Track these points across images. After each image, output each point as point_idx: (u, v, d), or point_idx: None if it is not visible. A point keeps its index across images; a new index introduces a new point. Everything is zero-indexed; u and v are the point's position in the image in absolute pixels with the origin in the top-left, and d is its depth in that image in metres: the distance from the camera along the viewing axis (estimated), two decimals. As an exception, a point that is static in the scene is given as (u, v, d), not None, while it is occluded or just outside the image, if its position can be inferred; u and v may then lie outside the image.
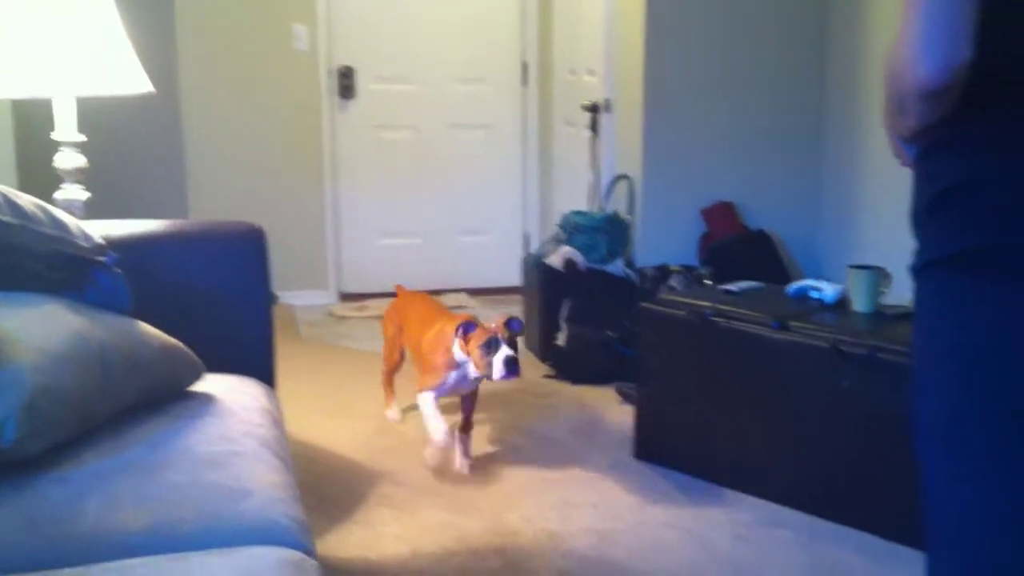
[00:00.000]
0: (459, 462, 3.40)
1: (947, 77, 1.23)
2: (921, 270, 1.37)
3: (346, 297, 5.92)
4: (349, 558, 2.76)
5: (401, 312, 3.78)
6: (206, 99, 5.44)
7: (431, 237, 6.07)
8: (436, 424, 3.30)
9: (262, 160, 5.64)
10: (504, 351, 3.10)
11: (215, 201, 5.29)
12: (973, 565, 1.35)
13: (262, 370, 2.71)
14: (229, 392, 2.34)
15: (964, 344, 1.31)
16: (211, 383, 2.33)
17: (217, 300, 2.74)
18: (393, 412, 3.90)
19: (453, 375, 3.30)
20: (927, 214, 1.36)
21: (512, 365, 3.11)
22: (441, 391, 3.34)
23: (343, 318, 5.55)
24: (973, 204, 1.29)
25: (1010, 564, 1.33)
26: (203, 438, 2.04)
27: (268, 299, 2.88)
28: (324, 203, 5.83)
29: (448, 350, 3.27)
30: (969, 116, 1.29)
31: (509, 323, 3.19)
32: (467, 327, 3.20)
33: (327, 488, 3.23)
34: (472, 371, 3.25)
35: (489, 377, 3.16)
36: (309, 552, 1.74)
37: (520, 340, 4.92)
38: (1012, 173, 1.27)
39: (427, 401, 3.33)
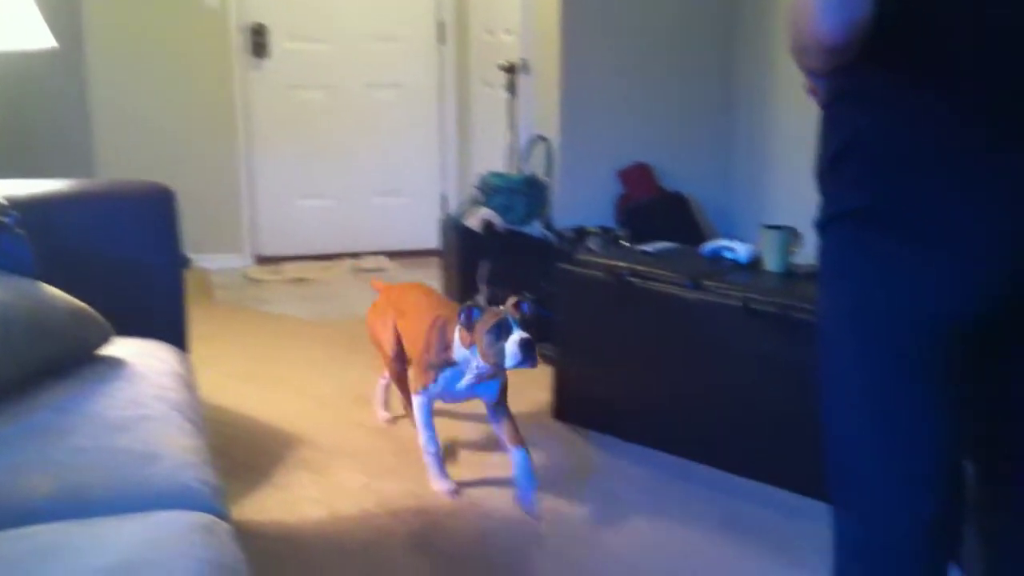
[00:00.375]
0: (525, 504, 2.83)
1: (846, 33, 1.25)
2: (824, 225, 1.40)
3: (262, 260, 5.83)
4: (265, 522, 2.73)
5: (394, 307, 3.24)
6: (113, 56, 5.27)
7: (348, 199, 6.00)
8: (426, 435, 2.94)
9: (172, 120, 5.50)
10: (518, 333, 2.61)
11: (123, 161, 5.15)
12: (875, 512, 1.39)
13: (174, 334, 2.66)
14: (139, 356, 2.29)
15: (862, 297, 1.35)
16: (120, 347, 2.28)
17: (126, 262, 2.68)
18: (382, 413, 3.49)
19: (446, 375, 2.86)
20: (829, 169, 1.39)
21: (528, 349, 2.61)
22: (436, 393, 2.92)
23: (259, 281, 5.47)
24: (870, 160, 1.32)
25: (910, 509, 1.37)
26: (111, 402, 2.00)
27: (179, 262, 2.82)
28: (238, 164, 5.72)
29: (443, 344, 2.85)
30: (871, 69, 1.32)
31: (519, 305, 2.76)
32: (471, 312, 2.74)
33: (242, 452, 3.19)
34: (473, 366, 2.78)
35: (500, 366, 2.68)
36: (222, 515, 1.72)
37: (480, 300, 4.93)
38: (912, 127, 1.29)
39: (418, 407, 2.95)
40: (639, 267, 3.27)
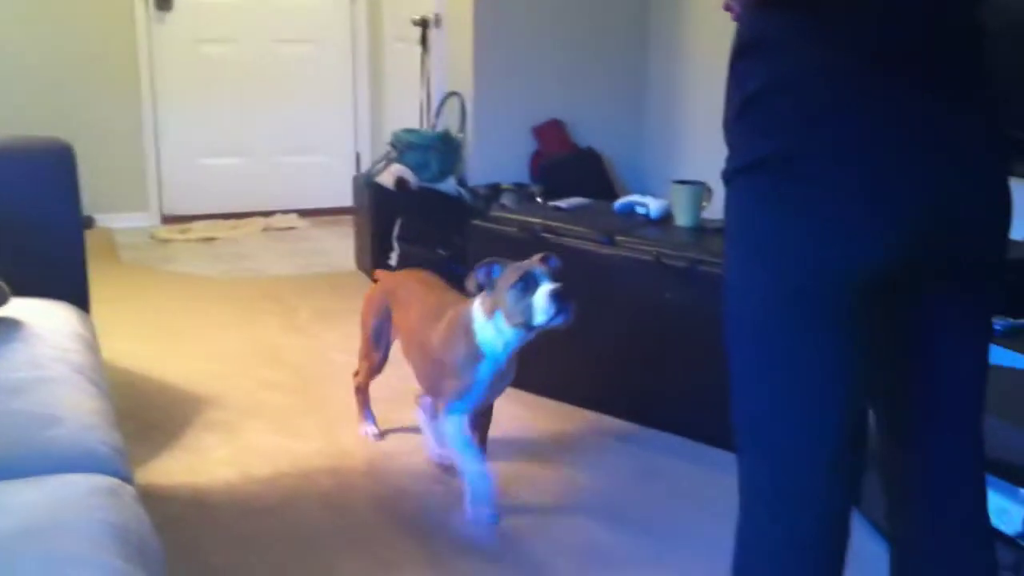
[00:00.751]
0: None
1: None
2: (730, 176, 1.40)
3: (169, 219, 5.70)
4: (174, 484, 2.69)
5: (391, 298, 2.80)
6: (5, 5, 5.07)
7: (258, 156, 5.89)
8: (471, 461, 2.46)
9: (71, 74, 5.32)
10: (547, 284, 2.26)
11: (19, 117, 4.96)
12: (779, 456, 1.42)
13: (75, 294, 2.59)
14: (38, 317, 2.22)
15: (770, 246, 1.35)
16: (18, 308, 2.20)
17: (23, 221, 2.58)
18: (370, 428, 3.01)
19: (481, 371, 2.41)
20: (735, 120, 1.39)
21: (561, 301, 2.24)
22: (471, 401, 2.46)
23: (166, 241, 5.35)
24: (776, 109, 1.32)
25: (813, 453, 1.40)
26: (8, 364, 1.93)
27: (79, 220, 2.74)
28: (142, 120, 5.57)
29: (468, 336, 2.42)
30: (777, 19, 1.32)
31: (547, 259, 2.39)
32: (490, 269, 2.36)
33: (149, 414, 3.12)
34: (501, 343, 2.38)
35: (529, 325, 2.29)
36: (126, 478, 1.68)
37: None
38: (814, 78, 1.30)
39: (454, 426, 2.46)
40: (553, 223, 3.27)
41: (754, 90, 1.34)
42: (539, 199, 4.17)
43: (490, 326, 2.37)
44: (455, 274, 4.14)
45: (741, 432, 1.46)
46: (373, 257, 4.56)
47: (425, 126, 4.93)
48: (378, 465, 2.83)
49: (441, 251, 4.25)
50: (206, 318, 4.09)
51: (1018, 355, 2.30)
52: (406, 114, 5.22)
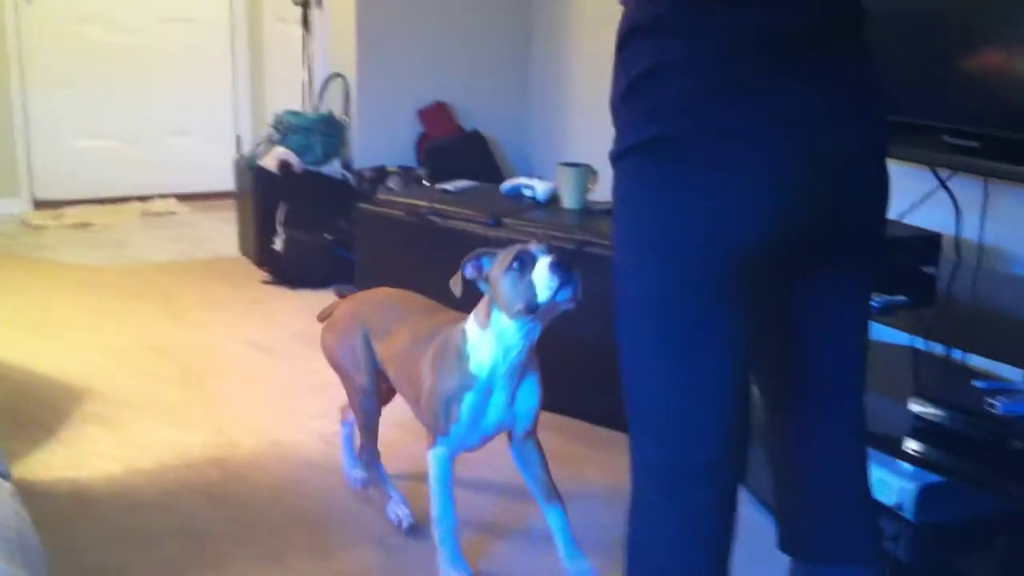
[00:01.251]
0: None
1: None
2: (617, 158, 1.41)
3: (41, 204, 5.49)
4: (54, 480, 2.59)
5: (368, 324, 2.41)
6: None
7: (135, 139, 5.71)
8: (441, 504, 2.17)
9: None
10: (546, 257, 1.95)
11: None
12: (669, 434, 1.44)
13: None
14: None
15: (657, 226, 1.37)
16: None
17: None
18: (356, 473, 2.59)
19: (470, 399, 2.08)
20: (621, 102, 1.40)
21: (564, 272, 1.93)
22: (462, 435, 2.13)
23: (38, 227, 5.15)
24: (660, 92, 1.34)
25: (701, 432, 1.42)
26: None
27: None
28: (11, 103, 5.34)
29: (458, 360, 2.09)
30: (662, 4, 1.34)
31: (542, 241, 2.08)
32: (479, 262, 2.06)
33: (25, 408, 3.01)
34: (506, 346, 2.04)
35: (533, 308, 1.96)
36: (2, 474, 1.62)
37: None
38: (698, 61, 1.32)
39: (436, 463, 2.16)
40: (440, 206, 3.26)
41: (639, 73, 1.35)
42: (425, 182, 4.16)
43: (487, 338, 2.05)
44: (341, 258, 4.11)
45: (632, 412, 1.47)
46: (257, 242, 4.48)
47: (308, 108, 4.85)
48: (267, 456, 2.78)
49: (327, 235, 4.20)
50: (83, 308, 3.95)
51: (893, 330, 2.38)
52: (288, 96, 5.13)
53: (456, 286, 2.07)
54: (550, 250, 1.98)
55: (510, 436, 2.21)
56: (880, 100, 1.42)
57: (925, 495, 2.28)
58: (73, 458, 2.71)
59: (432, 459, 2.15)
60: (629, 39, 1.38)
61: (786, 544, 1.65)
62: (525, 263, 1.96)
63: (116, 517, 2.43)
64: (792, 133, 1.32)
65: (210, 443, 2.84)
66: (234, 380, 3.29)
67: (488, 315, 2.06)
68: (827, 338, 1.51)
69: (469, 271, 2.07)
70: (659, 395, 1.43)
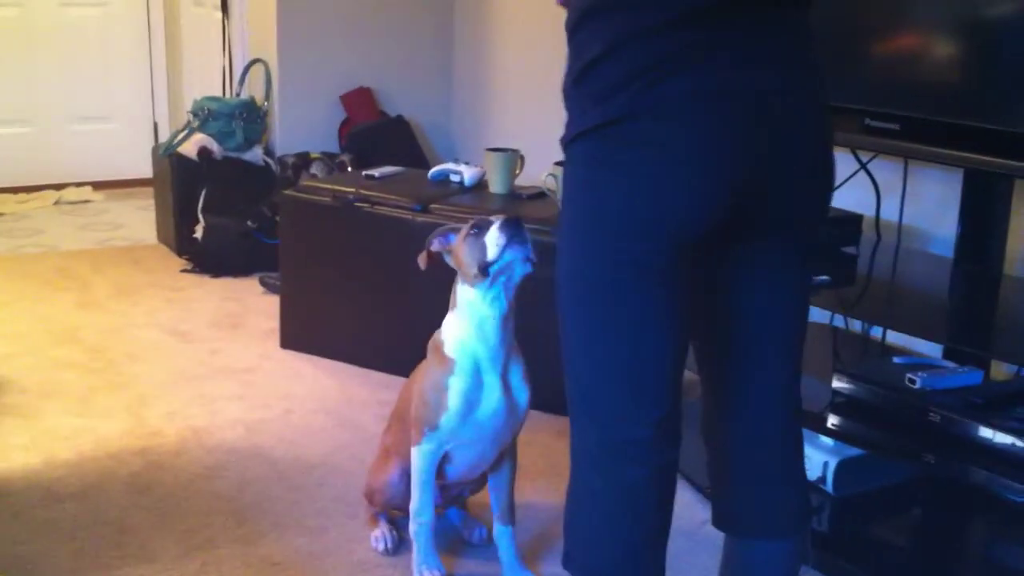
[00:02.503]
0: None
1: None
2: (568, 144, 1.42)
3: (-52, 194, 5.31)
4: (-32, 474, 2.52)
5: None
6: None
7: (47, 126, 5.55)
8: (421, 497, 2.11)
9: None
10: (498, 218, 1.96)
11: None
12: (607, 418, 1.45)
13: None
14: None
15: (603, 207, 1.38)
16: None
17: None
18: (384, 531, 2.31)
19: (455, 385, 2.02)
20: (573, 87, 1.40)
21: (514, 227, 1.92)
22: (452, 434, 2.06)
23: (-54, 216, 4.98)
24: (607, 74, 1.35)
25: (639, 414, 1.43)
26: None
27: None
28: (-87, 88, 5.16)
29: (437, 352, 2.07)
30: None
31: (510, 219, 1.98)
32: (446, 237, 2.06)
33: (-64, 401, 2.91)
34: (480, 317, 2.02)
35: (484, 268, 1.95)
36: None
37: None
38: (640, 40, 1.32)
39: (421, 458, 2.09)
40: (366, 192, 3.23)
41: (591, 58, 1.36)
42: (349, 168, 4.11)
43: (457, 317, 2.05)
44: (263, 246, 4.05)
45: (571, 390, 1.48)
46: (176, 230, 4.39)
47: (228, 94, 4.76)
48: (191, 443, 2.73)
49: (249, 223, 4.13)
50: (-5, 297, 3.84)
51: (816, 309, 2.43)
52: (207, 82, 5.03)
53: (422, 261, 2.08)
54: (510, 224, 1.96)
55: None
56: (820, 80, 1.43)
57: (845, 468, 2.34)
58: (-12, 450, 2.64)
59: (417, 455, 2.08)
60: (581, 23, 1.38)
61: (718, 519, 1.67)
62: (481, 227, 1.97)
63: (35, 509, 2.37)
64: (731, 112, 1.33)
65: (129, 432, 2.78)
66: (150, 367, 3.23)
67: (455, 294, 2.06)
68: (762, 316, 1.52)
69: (436, 244, 2.07)
70: (596, 373, 1.44)
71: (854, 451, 2.33)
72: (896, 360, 2.28)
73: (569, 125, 1.42)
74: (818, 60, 1.42)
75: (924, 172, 2.61)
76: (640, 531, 1.47)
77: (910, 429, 2.07)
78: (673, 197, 1.34)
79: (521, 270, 1.98)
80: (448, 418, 2.03)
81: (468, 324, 2.03)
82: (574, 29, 1.40)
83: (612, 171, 1.36)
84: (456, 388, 2.02)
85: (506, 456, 2.17)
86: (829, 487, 2.35)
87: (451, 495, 2.29)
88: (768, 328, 1.53)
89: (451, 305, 2.08)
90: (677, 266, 1.38)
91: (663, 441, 1.45)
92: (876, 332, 2.62)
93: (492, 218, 1.99)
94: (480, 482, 2.26)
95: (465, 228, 2.02)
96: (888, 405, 2.13)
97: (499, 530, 2.17)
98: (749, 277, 1.50)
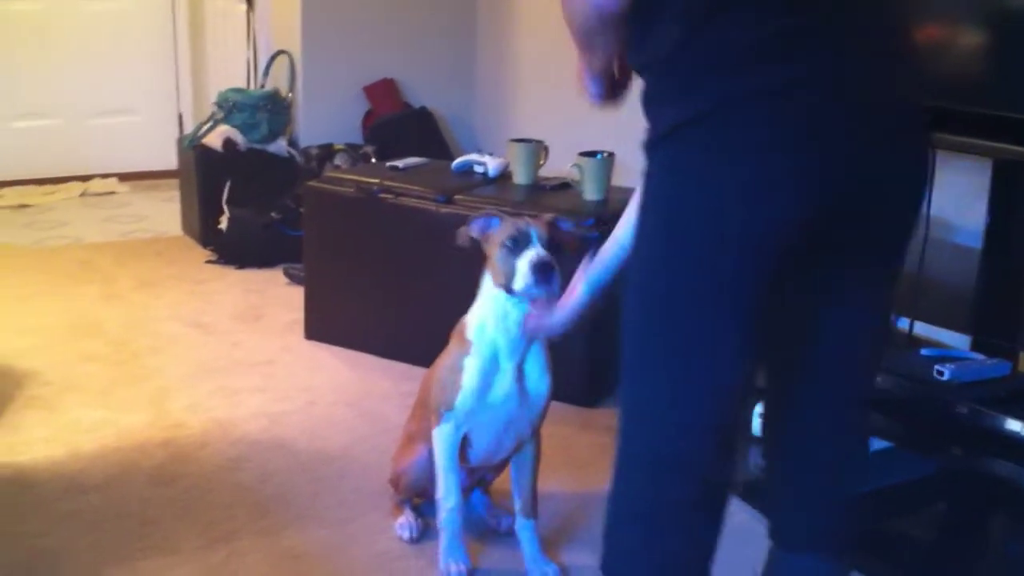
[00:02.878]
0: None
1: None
2: (650, 148, 1.34)
3: (-24, 186, 5.35)
4: (-7, 465, 2.53)
5: None
6: None
7: (70, 118, 5.57)
8: (447, 481, 2.11)
9: None
10: (535, 250, 1.96)
11: None
12: (664, 426, 1.37)
13: None
14: None
15: (681, 216, 1.30)
16: None
17: None
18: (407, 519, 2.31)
19: (472, 366, 2.05)
20: (653, 83, 1.33)
21: (544, 272, 1.94)
22: (467, 415, 2.08)
23: (-26, 209, 5.02)
24: (692, 69, 1.27)
25: (701, 426, 1.36)
26: None
27: None
28: (-59, 82, 5.20)
29: (459, 335, 2.10)
30: None
31: (555, 222, 2.07)
32: (488, 221, 2.06)
33: (-37, 393, 2.93)
34: (503, 311, 2.03)
35: (508, 289, 1.99)
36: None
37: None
38: (730, 32, 1.24)
39: (442, 440, 2.10)
40: (390, 183, 3.22)
41: (669, 47, 1.28)
42: (373, 159, 4.11)
43: (481, 303, 2.08)
44: (287, 237, 4.05)
45: (627, 403, 1.41)
46: (201, 222, 4.40)
47: (253, 86, 4.77)
48: (213, 435, 2.73)
49: (273, 214, 4.14)
50: (18, 290, 3.86)
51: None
52: (232, 74, 5.04)
53: (463, 238, 2.07)
54: (548, 241, 1.97)
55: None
56: (917, 74, 1.35)
57: (870, 461, 2.31)
58: (13, 443, 2.65)
59: (437, 437, 2.09)
60: (654, 5, 1.28)
61: (773, 531, 1.61)
62: (518, 245, 1.97)
63: (60, 501, 2.38)
64: (820, 103, 1.23)
65: (152, 424, 2.79)
66: (173, 359, 3.24)
67: (483, 282, 2.07)
68: (839, 337, 1.43)
69: (476, 230, 2.06)
70: (656, 386, 1.37)
71: (880, 444, 2.30)
72: (923, 352, 2.25)
73: (650, 127, 1.33)
74: (916, 51, 1.35)
75: (953, 162, 2.57)
76: (685, 548, 1.41)
77: (937, 422, 2.04)
78: (761, 203, 1.25)
79: (540, 297, 1.97)
80: (463, 398, 2.05)
81: (491, 314, 2.05)
82: (648, 9, 1.29)
83: (695, 178, 1.28)
84: (470, 368, 2.04)
85: (527, 448, 2.16)
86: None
87: (474, 478, 2.31)
88: (845, 350, 1.44)
89: (479, 291, 2.09)
90: (759, 281, 1.29)
91: (718, 457, 1.38)
92: (903, 324, 2.58)
93: (532, 229, 1.98)
94: (503, 467, 2.27)
95: (505, 227, 2.01)
96: (915, 398, 2.11)
97: (521, 523, 2.16)
98: (829, 295, 1.41)
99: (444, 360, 2.12)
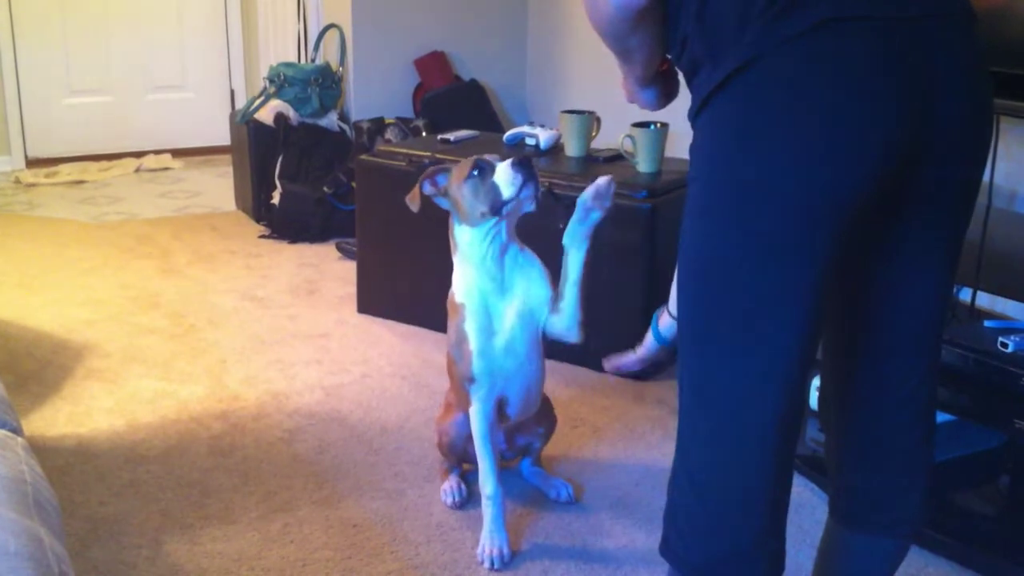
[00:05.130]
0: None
1: None
2: (695, 114, 1.27)
3: (34, 163, 5.43)
4: (59, 436, 2.58)
5: None
6: None
7: (124, 95, 5.64)
8: (486, 462, 2.11)
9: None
10: (505, 161, 2.00)
11: None
12: (729, 404, 1.31)
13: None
14: None
15: (734, 184, 1.23)
16: None
17: None
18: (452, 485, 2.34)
19: (470, 325, 2.06)
20: (695, 37, 1.25)
21: (525, 167, 1.97)
22: (491, 380, 2.09)
23: (32, 185, 5.10)
24: (728, 11, 1.20)
25: (765, 403, 1.29)
26: None
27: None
28: (1, 60, 5.26)
29: (451, 301, 2.11)
30: None
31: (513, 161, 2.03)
32: (435, 178, 2.08)
33: (27, 365, 2.98)
34: (481, 255, 2.05)
35: (497, 207, 1.99)
36: (15, 429, 1.59)
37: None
38: None
39: (477, 419, 2.11)
40: (441, 156, 3.21)
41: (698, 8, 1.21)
42: (424, 133, 4.11)
43: (459, 262, 2.09)
44: (339, 212, 4.07)
45: (688, 381, 1.35)
46: (254, 197, 4.43)
47: (304, 60, 4.78)
48: (270, 407, 2.76)
49: (325, 188, 4.15)
50: (78, 264, 3.92)
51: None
52: (283, 48, 5.06)
53: (414, 203, 2.11)
54: (504, 157, 2.03)
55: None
56: (971, 9, 1.27)
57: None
58: (76, 414, 2.70)
59: (472, 417, 2.11)
60: None
61: (833, 508, 1.55)
62: (484, 169, 2.01)
63: (120, 471, 2.42)
64: (877, 40, 1.15)
65: (212, 395, 2.82)
66: (229, 332, 3.27)
67: (453, 239, 2.10)
68: (904, 304, 1.36)
69: (427, 187, 2.09)
70: (720, 359, 1.30)
71: (942, 416, 2.27)
72: (987, 324, 2.21)
73: (693, 92, 1.25)
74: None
75: (1017, 130, 2.51)
76: (754, 528, 1.33)
77: (1000, 394, 2.00)
78: (823, 161, 1.17)
79: (528, 208, 2.04)
80: (476, 362, 2.06)
81: (471, 265, 2.07)
82: None
83: (747, 138, 1.19)
84: (472, 329, 2.06)
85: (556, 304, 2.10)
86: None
87: (519, 445, 2.34)
88: (911, 318, 1.37)
89: (452, 250, 2.11)
90: (823, 247, 1.21)
91: (785, 432, 1.31)
92: (965, 295, 2.54)
93: (489, 158, 2.04)
94: (548, 431, 2.32)
95: (461, 167, 2.04)
96: (978, 370, 2.07)
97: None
98: (893, 260, 1.33)
99: (449, 337, 2.13)
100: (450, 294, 2.13)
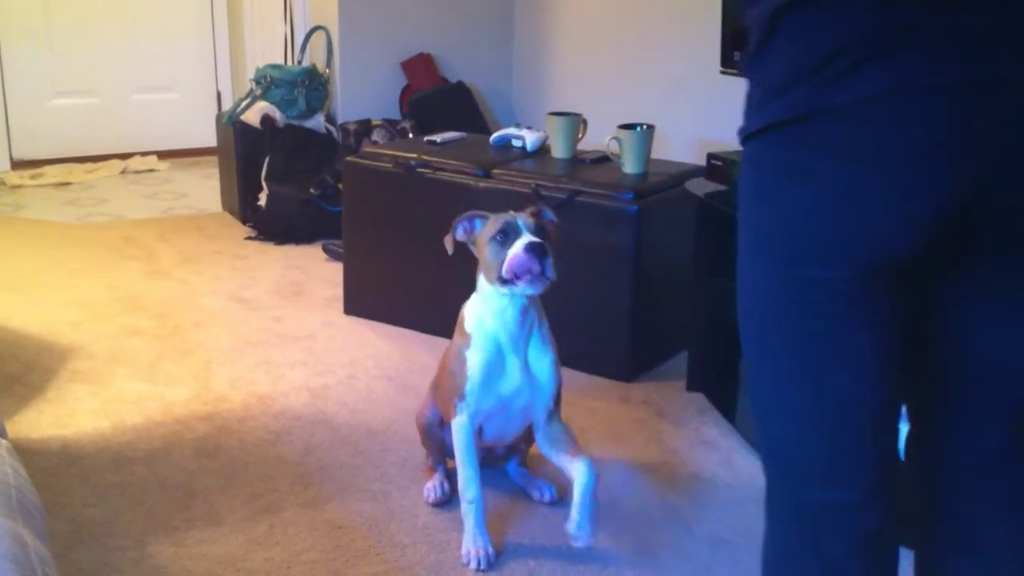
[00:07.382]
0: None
1: None
2: (744, 139, 1.21)
3: (19, 164, 5.41)
4: (43, 438, 2.56)
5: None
6: None
7: (110, 96, 5.62)
8: (467, 471, 2.11)
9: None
10: (527, 236, 1.99)
11: None
12: (806, 472, 1.23)
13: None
14: None
15: (773, 225, 1.18)
16: None
17: None
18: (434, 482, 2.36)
19: (474, 359, 2.08)
20: (749, 70, 1.20)
21: (537, 251, 1.96)
22: (477, 404, 2.10)
23: (16, 187, 5.08)
24: (784, 63, 1.13)
25: (841, 466, 1.22)
26: None
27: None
28: (-15, 61, 5.25)
29: (460, 326, 2.15)
30: None
31: (540, 212, 2.11)
32: (472, 222, 2.09)
33: (9, 367, 2.97)
34: (495, 310, 2.07)
35: (506, 280, 2.00)
36: (-6, 430, 1.58)
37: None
38: (833, 24, 1.09)
39: (459, 431, 2.12)
40: (428, 157, 3.22)
41: (761, 34, 1.14)
42: (411, 134, 4.11)
43: (478, 299, 2.11)
44: (326, 213, 4.07)
45: (762, 445, 1.28)
46: (241, 198, 4.43)
47: (290, 62, 4.77)
48: (256, 409, 2.75)
49: (311, 190, 4.15)
50: (63, 266, 3.90)
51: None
52: (269, 50, 5.05)
53: (448, 244, 2.12)
54: (536, 229, 2.01)
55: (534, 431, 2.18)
56: None
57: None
58: (61, 416, 2.68)
59: (455, 428, 2.13)
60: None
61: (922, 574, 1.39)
62: (508, 236, 2.01)
63: (105, 473, 2.41)
64: (938, 110, 1.06)
65: (197, 398, 2.81)
66: (215, 334, 3.26)
67: (479, 279, 2.11)
68: (986, 358, 1.23)
69: (460, 233, 2.11)
70: (784, 423, 1.22)
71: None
72: None
73: (745, 116, 1.19)
74: None
75: None
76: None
77: None
78: (862, 217, 1.10)
79: (537, 289, 2.01)
80: (471, 388, 2.08)
81: (488, 310, 2.08)
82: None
83: (789, 180, 1.13)
84: (473, 361, 2.08)
85: (553, 426, 2.14)
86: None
87: (498, 455, 2.35)
88: (992, 373, 1.23)
89: (477, 273, 2.11)
90: (872, 294, 1.14)
91: (869, 505, 1.21)
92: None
93: (519, 220, 2.01)
94: (532, 438, 2.27)
95: (492, 223, 2.04)
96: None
97: (575, 465, 2.05)
98: (970, 309, 1.21)
99: (451, 349, 2.17)
100: (461, 315, 2.15)
